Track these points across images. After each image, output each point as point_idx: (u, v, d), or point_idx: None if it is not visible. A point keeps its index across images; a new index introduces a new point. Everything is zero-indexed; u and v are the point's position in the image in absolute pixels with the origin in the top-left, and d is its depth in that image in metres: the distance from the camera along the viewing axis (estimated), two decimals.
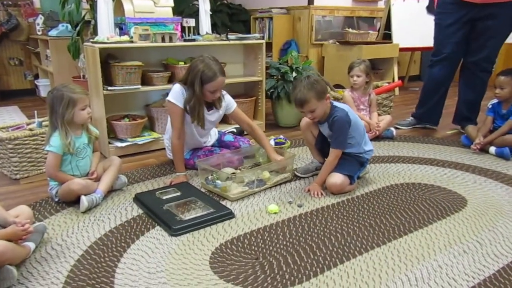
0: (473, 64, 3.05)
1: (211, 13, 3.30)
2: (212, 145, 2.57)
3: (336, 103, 2.15)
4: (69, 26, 4.00)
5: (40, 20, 4.57)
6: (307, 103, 2.01)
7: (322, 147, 2.28)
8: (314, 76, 2.11)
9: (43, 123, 2.46)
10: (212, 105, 2.35)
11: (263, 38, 3.27)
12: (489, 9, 2.86)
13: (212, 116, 2.38)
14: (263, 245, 1.62)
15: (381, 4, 5.43)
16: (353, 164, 2.15)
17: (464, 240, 1.65)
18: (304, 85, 2.01)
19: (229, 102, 2.42)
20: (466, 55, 3.09)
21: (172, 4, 2.97)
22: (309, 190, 2.12)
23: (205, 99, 2.25)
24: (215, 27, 4.64)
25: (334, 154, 2.10)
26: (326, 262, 1.51)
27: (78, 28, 3.73)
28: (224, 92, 2.39)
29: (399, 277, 1.41)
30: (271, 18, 4.94)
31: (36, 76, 4.99)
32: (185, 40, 2.94)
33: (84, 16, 3.78)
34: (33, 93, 5.00)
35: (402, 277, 1.42)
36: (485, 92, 3.16)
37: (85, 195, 1.90)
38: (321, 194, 2.08)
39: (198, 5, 3.30)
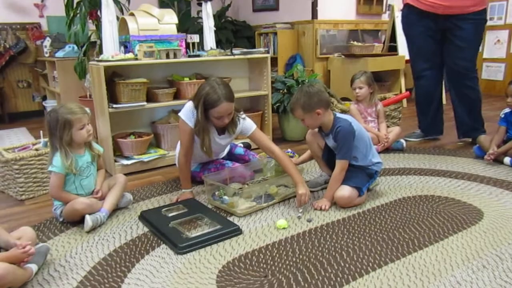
0: (457, 75, 2.97)
1: (215, 29, 3.31)
2: (223, 158, 2.52)
3: (339, 115, 2.11)
4: (75, 47, 4.04)
5: (47, 42, 4.63)
6: (293, 111, 2.08)
7: (328, 158, 2.23)
8: (315, 87, 2.04)
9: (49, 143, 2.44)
10: (225, 129, 2.19)
11: (268, 52, 3.25)
12: (453, 20, 2.82)
13: (223, 140, 2.26)
14: (272, 262, 1.57)
15: (385, 17, 5.43)
16: (361, 176, 2.09)
17: (482, 254, 1.58)
18: (297, 93, 2.06)
19: (245, 127, 2.20)
20: (447, 67, 3.03)
21: (176, 21, 2.98)
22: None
23: (214, 125, 2.14)
24: (219, 44, 4.67)
25: (339, 166, 2.04)
26: (338, 279, 1.44)
27: (84, 48, 3.76)
28: (243, 116, 2.21)
29: None
30: (275, 33, 4.96)
31: (44, 98, 5.03)
32: (189, 56, 2.94)
33: (90, 36, 3.82)
34: (41, 114, 5.03)
35: None
36: (481, 97, 3.05)
37: (89, 214, 1.86)
38: (325, 207, 2.01)
39: (202, 22, 3.32)
